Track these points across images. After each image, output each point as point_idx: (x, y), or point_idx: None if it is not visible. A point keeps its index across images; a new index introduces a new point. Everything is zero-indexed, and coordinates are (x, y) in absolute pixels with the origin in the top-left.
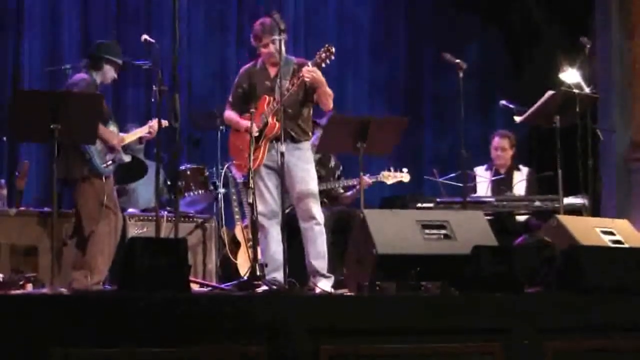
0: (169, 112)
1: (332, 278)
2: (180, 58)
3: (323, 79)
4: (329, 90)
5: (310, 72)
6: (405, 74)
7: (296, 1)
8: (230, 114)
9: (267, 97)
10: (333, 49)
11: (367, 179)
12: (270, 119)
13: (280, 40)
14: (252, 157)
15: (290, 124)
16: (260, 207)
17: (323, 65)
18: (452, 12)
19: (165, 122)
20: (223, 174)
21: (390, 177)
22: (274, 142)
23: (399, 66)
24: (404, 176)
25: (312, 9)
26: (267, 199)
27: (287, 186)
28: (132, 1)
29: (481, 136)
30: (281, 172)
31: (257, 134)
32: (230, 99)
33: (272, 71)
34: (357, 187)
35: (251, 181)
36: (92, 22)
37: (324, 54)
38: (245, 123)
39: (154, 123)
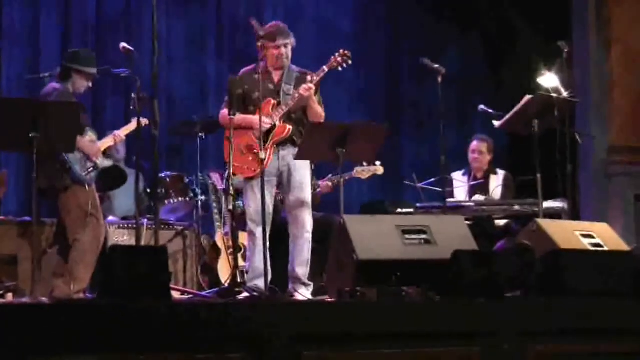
0: (150, 124)
1: (312, 286)
2: (159, 67)
3: (315, 99)
4: (319, 110)
5: (308, 90)
6: (384, 81)
7: (275, 10)
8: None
9: (272, 100)
10: (349, 54)
11: (332, 179)
12: (278, 122)
13: (289, 46)
14: (231, 162)
15: (294, 129)
16: (253, 214)
17: (339, 69)
18: (430, 20)
19: (145, 121)
20: (226, 181)
21: (365, 171)
22: (278, 147)
23: (377, 73)
24: (378, 169)
25: (291, 17)
26: (260, 207)
27: (283, 191)
28: (111, 11)
29: (460, 142)
30: (262, 179)
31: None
32: (227, 98)
33: (276, 75)
34: (323, 183)
35: (231, 188)
36: (71, 31)
37: (340, 58)
38: (255, 117)
39: (119, 132)
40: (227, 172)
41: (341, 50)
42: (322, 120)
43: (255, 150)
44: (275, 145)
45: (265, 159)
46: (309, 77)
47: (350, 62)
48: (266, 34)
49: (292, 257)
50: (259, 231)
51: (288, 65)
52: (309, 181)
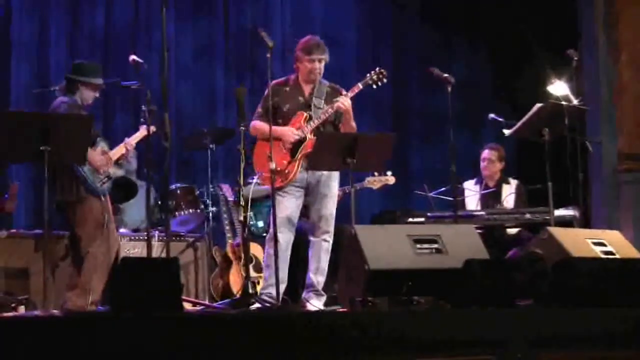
0: (158, 132)
1: (325, 297)
2: (168, 79)
3: (351, 113)
4: (354, 124)
5: (345, 103)
6: (393, 91)
7: (282, 20)
8: (260, 123)
9: (304, 113)
10: (385, 72)
11: (343, 189)
12: (309, 135)
13: (323, 61)
14: (242, 172)
15: None
16: (279, 223)
17: (374, 86)
18: (437, 29)
19: (153, 128)
20: (237, 192)
21: (376, 181)
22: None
23: (386, 83)
24: (389, 179)
25: (298, 27)
26: (286, 216)
27: (309, 202)
28: (119, 23)
29: (471, 151)
30: (272, 189)
31: (297, 139)
32: (259, 109)
33: (307, 89)
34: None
35: (242, 199)
36: (79, 44)
37: (375, 76)
38: (285, 129)
39: (130, 140)
40: (254, 180)
41: (377, 69)
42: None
43: (284, 161)
44: (305, 158)
45: (296, 171)
46: (343, 92)
47: (385, 80)
48: (303, 47)
49: (310, 264)
50: (282, 238)
51: (319, 79)
52: (335, 193)
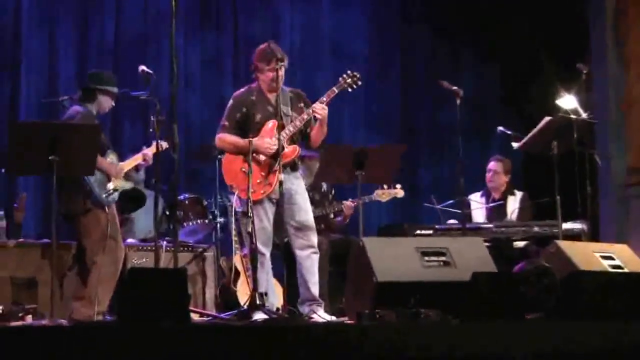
0: (169, 148)
1: (323, 303)
2: (177, 90)
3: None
4: (325, 130)
5: (324, 109)
6: (401, 103)
7: (292, 33)
8: (231, 137)
9: (276, 122)
10: (358, 75)
11: (352, 202)
12: (286, 144)
13: (283, 67)
14: (250, 185)
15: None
16: (262, 237)
17: (349, 89)
18: (447, 42)
19: (164, 144)
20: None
21: (385, 194)
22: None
23: (394, 96)
24: (398, 192)
25: (307, 38)
26: (267, 229)
27: (285, 214)
28: (128, 34)
29: (478, 163)
30: (281, 201)
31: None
32: (225, 122)
33: (272, 97)
34: (344, 212)
35: (250, 210)
36: (88, 54)
37: (349, 80)
38: (264, 141)
39: (148, 151)
40: (235, 194)
41: (349, 72)
42: (323, 140)
43: (262, 172)
44: (284, 168)
45: (277, 181)
46: (321, 99)
47: (359, 82)
48: (261, 57)
49: (305, 278)
50: (267, 252)
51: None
52: (309, 203)
